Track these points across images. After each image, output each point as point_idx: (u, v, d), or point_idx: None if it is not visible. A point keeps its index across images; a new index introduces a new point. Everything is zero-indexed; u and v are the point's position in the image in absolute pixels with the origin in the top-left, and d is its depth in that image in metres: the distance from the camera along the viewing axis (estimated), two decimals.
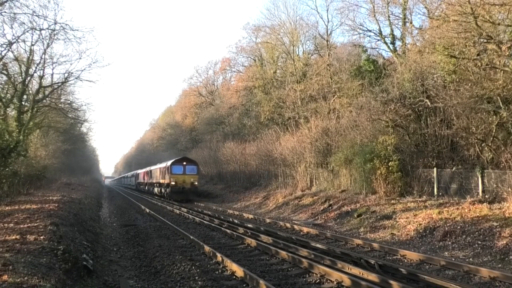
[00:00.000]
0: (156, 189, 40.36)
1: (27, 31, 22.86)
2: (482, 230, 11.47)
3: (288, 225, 16.51)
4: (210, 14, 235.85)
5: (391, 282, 7.20)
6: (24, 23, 21.79)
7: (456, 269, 8.72)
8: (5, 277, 5.25)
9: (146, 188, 48.23)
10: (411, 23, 26.90)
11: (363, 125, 21.98)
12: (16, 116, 26.31)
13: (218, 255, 9.70)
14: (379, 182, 18.81)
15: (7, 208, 13.63)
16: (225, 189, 38.33)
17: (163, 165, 37.38)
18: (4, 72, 24.88)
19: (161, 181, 36.78)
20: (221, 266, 9.08)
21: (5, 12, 19.81)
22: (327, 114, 28.51)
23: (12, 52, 24.31)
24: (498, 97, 15.41)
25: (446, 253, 10.83)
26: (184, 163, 33.47)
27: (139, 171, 58.58)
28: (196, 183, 33.39)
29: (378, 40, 28.84)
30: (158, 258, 10.17)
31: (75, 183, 36.15)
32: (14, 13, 20.11)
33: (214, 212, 22.76)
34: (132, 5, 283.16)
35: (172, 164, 33.40)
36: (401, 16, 27.17)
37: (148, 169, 47.88)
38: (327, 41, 34.03)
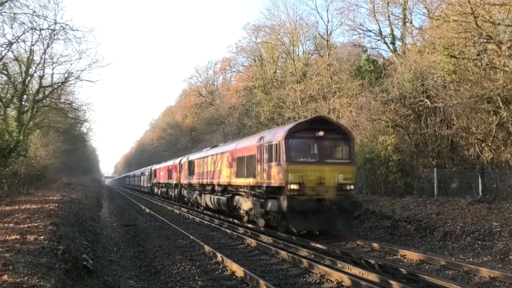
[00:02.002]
0: (214, 200, 19.33)
1: (27, 31, 22.95)
2: (482, 230, 11.47)
3: None
4: (210, 14, 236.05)
5: (391, 282, 7.20)
6: (24, 23, 21.90)
7: (456, 269, 8.71)
8: (5, 277, 5.25)
9: (176, 193, 29.17)
10: (411, 23, 26.93)
11: (363, 125, 22.00)
12: (16, 116, 26.36)
13: (218, 255, 9.69)
14: (379, 182, 18.82)
15: (7, 208, 13.62)
16: None
17: (250, 141, 15.64)
18: (4, 72, 24.93)
19: (244, 181, 15.41)
20: (221, 266, 9.07)
21: (5, 12, 19.92)
22: (327, 114, 28.53)
23: (12, 52, 24.41)
24: (498, 97, 15.43)
25: (446, 253, 10.83)
26: (320, 133, 12.91)
27: (157, 166, 40.04)
28: (352, 186, 13.22)
29: (378, 40, 28.92)
30: (158, 258, 10.17)
31: (75, 183, 36.13)
32: (14, 13, 20.23)
33: None
34: (132, 5, 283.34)
35: (289, 135, 12.82)
36: (401, 16, 27.22)
37: (184, 159, 27.62)
38: (327, 41, 34.03)
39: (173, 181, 30.31)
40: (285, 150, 12.49)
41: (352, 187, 13.11)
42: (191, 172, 24.68)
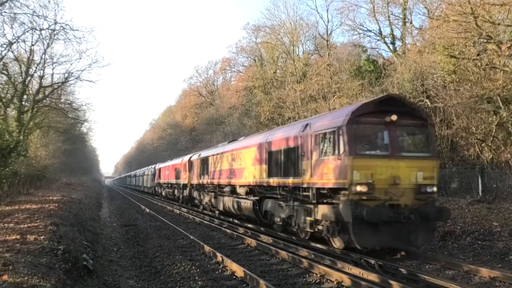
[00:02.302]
0: (234, 203, 16.50)
1: (27, 31, 23.02)
2: (482, 230, 11.47)
3: None
4: (211, 14, 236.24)
5: (391, 282, 7.20)
6: (24, 23, 21.98)
7: (456, 269, 8.71)
8: (5, 277, 5.25)
9: (185, 194, 26.47)
10: (411, 23, 26.97)
11: None
12: (16, 116, 26.41)
13: (218, 255, 9.70)
14: None
15: (7, 208, 13.63)
16: None
17: (290, 131, 12.33)
18: (4, 72, 25.00)
19: (280, 181, 12.32)
20: (221, 266, 9.08)
21: (5, 12, 19.99)
22: None
23: (12, 52, 24.49)
24: (498, 97, 15.43)
25: (446, 253, 10.83)
26: (393, 117, 9.68)
27: (162, 165, 37.08)
28: (435, 188, 9.93)
29: (378, 40, 28.99)
30: (158, 258, 10.17)
31: (75, 183, 36.17)
32: (14, 13, 20.31)
33: None
34: (132, 5, 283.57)
35: (354, 119, 9.55)
36: (401, 16, 27.26)
37: (195, 156, 24.45)
38: (327, 41, 34.04)
39: (181, 181, 27.25)
40: (348, 139, 9.39)
41: (434, 189, 9.92)
42: (204, 170, 21.31)
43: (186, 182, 25.88)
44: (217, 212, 19.53)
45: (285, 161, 12.07)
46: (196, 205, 23.83)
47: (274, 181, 12.69)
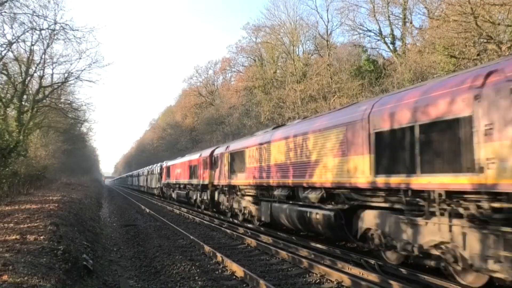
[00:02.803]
0: (294, 214, 11.28)
1: (27, 31, 23.07)
2: None
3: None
4: (211, 14, 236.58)
5: (391, 282, 7.20)
6: (24, 23, 22.03)
7: None
8: (5, 277, 5.25)
9: (205, 198, 21.61)
10: (411, 23, 27.00)
11: None
12: (16, 116, 26.43)
13: (218, 255, 9.70)
14: None
15: (7, 208, 13.62)
16: None
17: (436, 90, 6.70)
18: (4, 72, 25.03)
19: (434, 180, 6.61)
20: (221, 266, 9.08)
21: (5, 12, 20.03)
22: None
23: (12, 52, 24.54)
24: None
25: None
26: None
27: (170, 162, 32.56)
28: None
29: (378, 40, 29.06)
30: (158, 258, 10.18)
31: (75, 183, 36.14)
32: (14, 13, 20.35)
33: None
34: (133, 5, 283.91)
35: None
36: (401, 16, 27.31)
37: (219, 150, 19.21)
38: (327, 41, 34.06)
39: (200, 181, 21.98)
40: None
41: None
42: (236, 167, 16.23)
43: (206, 182, 20.74)
44: (257, 223, 15.01)
45: (426, 145, 6.86)
46: (222, 211, 19.07)
47: (395, 180, 7.49)
